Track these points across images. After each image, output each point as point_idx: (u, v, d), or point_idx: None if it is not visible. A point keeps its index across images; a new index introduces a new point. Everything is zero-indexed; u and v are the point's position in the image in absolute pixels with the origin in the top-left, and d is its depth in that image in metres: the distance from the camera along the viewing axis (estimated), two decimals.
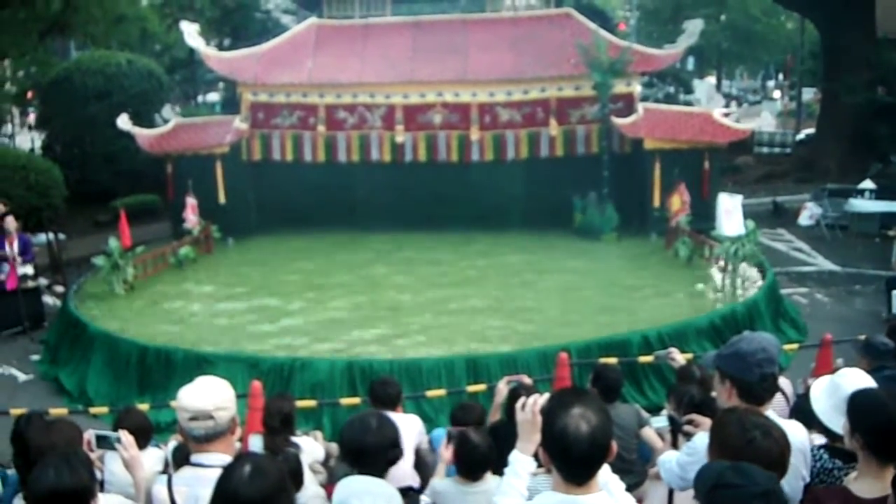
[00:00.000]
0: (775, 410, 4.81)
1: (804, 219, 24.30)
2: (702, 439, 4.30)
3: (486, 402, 8.22)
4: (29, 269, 16.87)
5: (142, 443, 6.88)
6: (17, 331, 16.48)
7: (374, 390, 7.68)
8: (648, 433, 7.50)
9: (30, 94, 31.83)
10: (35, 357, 15.33)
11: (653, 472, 6.24)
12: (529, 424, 3.97)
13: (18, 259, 16.58)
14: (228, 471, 3.57)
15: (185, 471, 4.48)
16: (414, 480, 6.71)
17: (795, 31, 47.77)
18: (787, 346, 12.00)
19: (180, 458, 5.29)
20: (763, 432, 3.77)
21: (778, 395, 5.75)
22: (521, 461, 4.02)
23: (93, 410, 11.56)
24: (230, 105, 29.41)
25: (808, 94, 50.71)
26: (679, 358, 7.51)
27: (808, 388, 5.95)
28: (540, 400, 3.97)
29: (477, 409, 7.81)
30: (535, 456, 4.02)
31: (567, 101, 21.29)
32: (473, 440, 5.90)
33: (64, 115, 29.08)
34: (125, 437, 5.02)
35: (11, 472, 7.06)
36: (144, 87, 29.39)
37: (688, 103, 30.75)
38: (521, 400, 4.05)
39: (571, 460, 3.44)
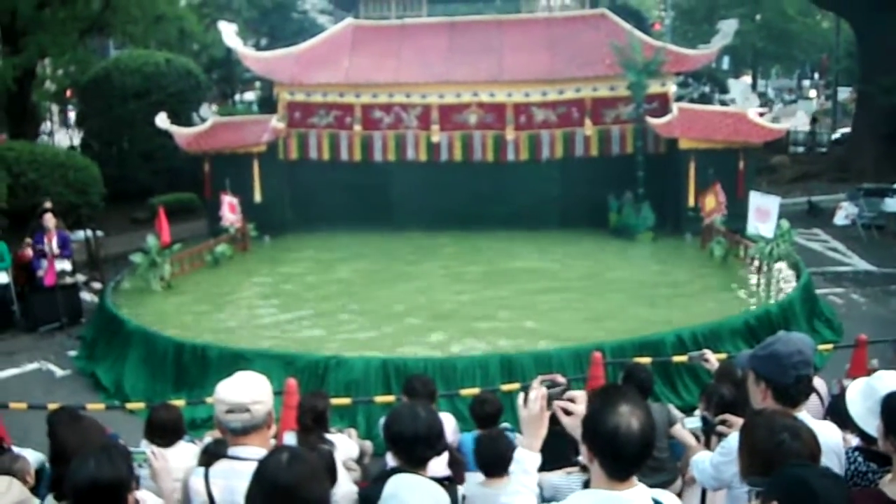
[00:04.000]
0: (809, 412, 4.77)
1: (840, 218, 24.11)
2: (736, 439, 4.28)
3: None
4: (67, 266, 17.00)
5: (173, 438, 6.99)
6: (55, 326, 16.64)
7: (411, 386, 7.67)
8: (679, 431, 7.44)
9: (69, 93, 32.04)
10: (72, 353, 15.45)
11: (688, 477, 6.24)
12: (536, 420, 3.97)
13: (57, 255, 16.74)
14: (266, 458, 3.63)
15: (222, 463, 4.53)
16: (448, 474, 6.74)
17: (831, 31, 47.28)
18: (821, 347, 11.91)
19: (205, 458, 5.36)
20: (792, 434, 3.77)
21: (812, 396, 5.73)
22: (530, 458, 4.02)
23: (129, 406, 11.65)
24: (267, 104, 29.58)
25: (844, 93, 50.18)
26: (712, 359, 7.48)
27: (843, 389, 5.94)
28: (540, 394, 3.97)
29: (495, 402, 7.85)
30: (542, 451, 4.03)
31: (602, 102, 21.27)
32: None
33: (102, 113, 29.27)
34: (153, 449, 5.09)
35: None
36: (182, 86, 29.53)
37: (723, 103, 30.59)
38: (521, 396, 4.03)
39: (622, 458, 3.43)
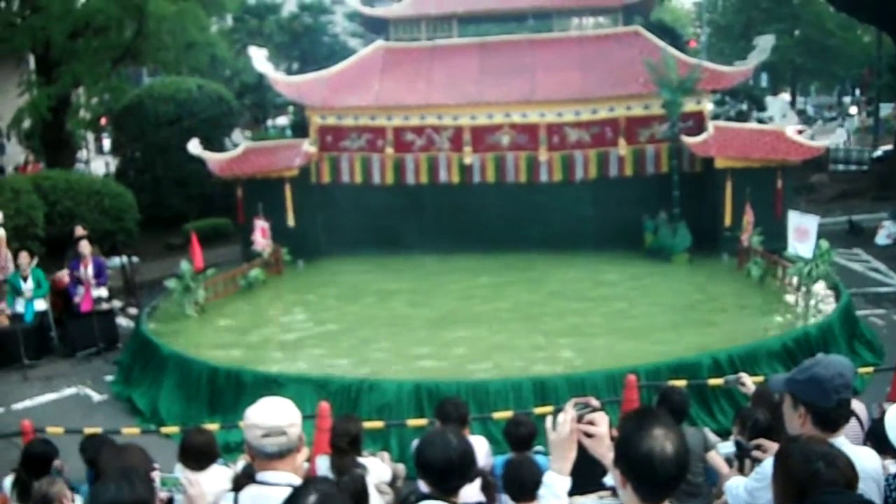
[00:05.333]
0: (848, 436, 4.69)
1: (881, 238, 23.92)
2: (770, 465, 4.21)
3: None
4: (103, 292, 17.16)
5: (207, 462, 7.00)
6: (92, 352, 16.74)
7: (443, 409, 7.65)
8: (714, 457, 7.43)
9: (103, 121, 32.29)
10: (109, 377, 15.55)
11: (722, 502, 6.17)
12: (565, 443, 3.95)
13: (93, 282, 16.90)
14: (295, 498, 3.58)
15: (251, 489, 4.50)
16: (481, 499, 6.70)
17: (872, 45, 46.84)
18: (862, 370, 11.78)
19: (237, 483, 5.33)
20: (827, 462, 3.72)
21: (852, 421, 5.64)
22: (559, 482, 3.99)
23: (164, 430, 11.69)
24: (300, 129, 29.61)
25: (886, 109, 49.45)
26: (749, 383, 7.38)
27: (883, 413, 5.84)
28: (570, 417, 3.95)
29: (529, 425, 7.80)
30: (572, 472, 4.00)
31: (636, 121, 21.16)
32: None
33: (136, 140, 29.54)
34: (188, 476, 5.09)
35: (85, 487, 7.23)
36: (214, 111, 29.69)
37: (760, 121, 30.39)
38: (549, 419, 4.02)
39: (657, 482, 3.39)
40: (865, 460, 4.29)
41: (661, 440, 3.36)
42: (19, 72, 27.60)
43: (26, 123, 26.34)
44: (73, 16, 23.84)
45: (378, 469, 7.66)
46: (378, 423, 10.87)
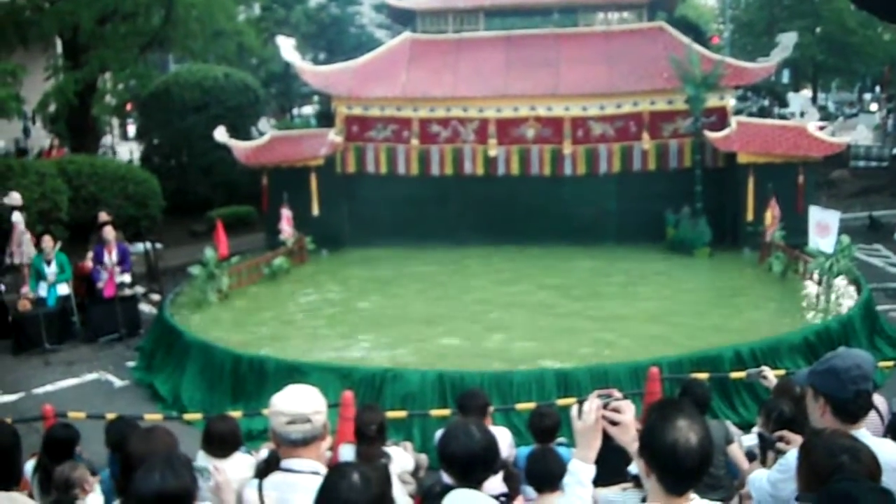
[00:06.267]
0: (869, 429, 4.73)
1: None
2: (794, 456, 4.23)
3: None
4: (126, 278, 17.18)
5: (230, 450, 7.02)
6: (114, 337, 16.79)
7: (461, 402, 7.71)
8: (734, 450, 7.49)
9: (129, 107, 32.40)
10: (131, 363, 15.56)
11: (745, 492, 6.18)
12: (590, 431, 3.97)
13: (117, 268, 16.95)
14: (335, 478, 3.61)
15: (276, 476, 4.53)
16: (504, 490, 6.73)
17: (892, 43, 46.72)
18: (882, 364, 11.72)
19: (261, 470, 5.36)
20: (851, 456, 3.74)
21: (873, 414, 5.66)
22: (584, 470, 4.00)
23: (186, 417, 11.71)
24: (325, 118, 29.65)
25: None
26: (771, 377, 7.38)
27: None
28: (595, 405, 3.98)
29: (553, 416, 7.82)
30: (597, 462, 4.01)
31: (660, 115, 21.17)
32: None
33: (162, 127, 29.66)
34: (215, 464, 5.12)
35: (106, 472, 7.24)
36: (241, 100, 29.75)
37: (782, 117, 30.31)
38: (575, 408, 4.04)
39: (681, 472, 3.43)
40: (887, 453, 4.27)
41: (686, 431, 3.39)
42: (46, 56, 27.69)
43: (52, 108, 26.38)
44: (102, 1, 23.88)
45: (401, 458, 7.66)
46: (401, 413, 10.90)
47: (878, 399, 6.75)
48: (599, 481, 4.19)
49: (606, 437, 4.01)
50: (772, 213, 18.26)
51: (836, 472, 3.67)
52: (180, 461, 4.16)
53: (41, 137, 34.48)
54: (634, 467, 3.79)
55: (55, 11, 24.14)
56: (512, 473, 7.06)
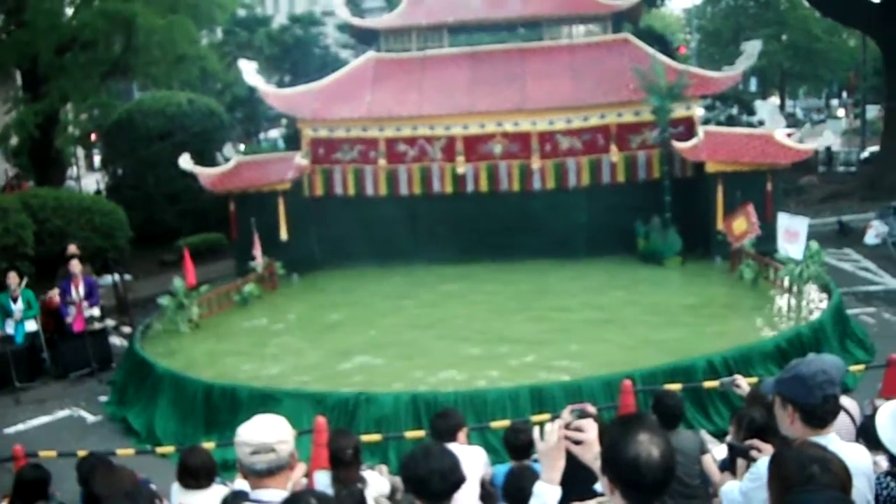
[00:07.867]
0: (841, 433, 4.79)
1: (870, 237, 24.13)
2: (765, 464, 4.19)
3: None
4: (95, 311, 17.04)
5: (206, 482, 6.93)
6: (86, 372, 16.62)
7: (433, 423, 7.65)
8: (707, 461, 7.51)
9: (93, 136, 32.21)
10: (103, 398, 15.42)
11: (716, 502, 6.18)
12: (553, 451, 3.99)
13: (85, 302, 16.76)
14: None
15: None
16: None
17: (858, 49, 47.22)
18: (853, 367, 11.87)
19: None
20: (821, 466, 3.70)
21: (845, 417, 5.73)
22: (549, 492, 4.01)
23: (160, 450, 11.62)
24: (292, 141, 29.61)
25: (873, 111, 49.86)
26: (744, 385, 7.43)
27: (875, 410, 5.85)
28: (557, 425, 3.99)
29: (528, 432, 7.75)
30: (564, 482, 4.01)
31: (627, 127, 21.19)
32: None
33: (127, 156, 29.52)
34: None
35: None
36: (206, 125, 29.70)
37: (750, 125, 30.45)
38: (537, 430, 4.08)
39: (644, 487, 3.37)
40: (856, 458, 4.31)
41: (647, 445, 3.35)
42: (5, 88, 27.50)
43: (13, 141, 26.17)
44: (60, 30, 23.79)
45: (377, 482, 7.60)
46: (376, 436, 10.83)
47: (850, 403, 6.82)
48: (567, 499, 4.15)
49: (573, 457, 4.00)
50: (747, 220, 18.23)
51: (807, 483, 3.64)
52: (143, 496, 4.26)
53: (3, 171, 34.20)
54: (601, 485, 3.73)
55: (13, 42, 24.01)
56: (489, 492, 7.03)
